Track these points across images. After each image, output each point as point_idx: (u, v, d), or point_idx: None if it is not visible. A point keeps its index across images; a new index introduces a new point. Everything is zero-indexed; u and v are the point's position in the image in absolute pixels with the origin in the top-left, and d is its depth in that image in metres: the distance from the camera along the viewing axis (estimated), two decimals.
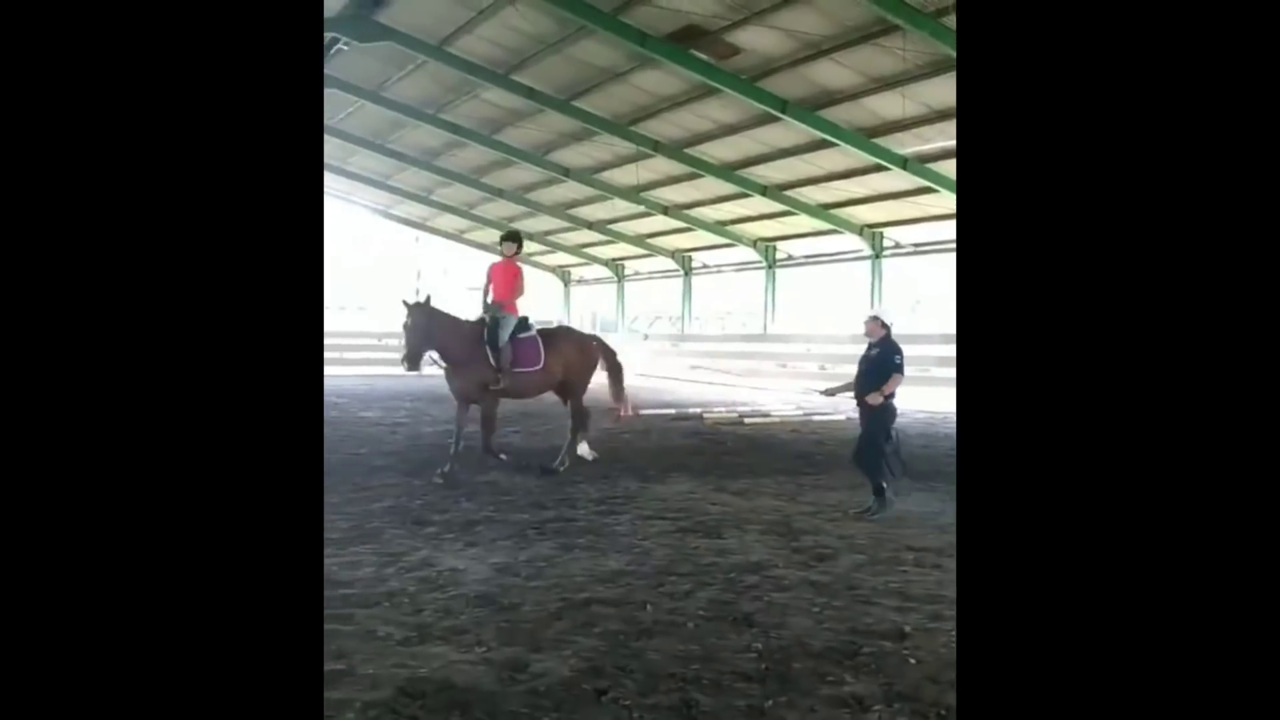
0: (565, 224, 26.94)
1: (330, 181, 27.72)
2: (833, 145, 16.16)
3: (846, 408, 10.38)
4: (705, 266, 26.88)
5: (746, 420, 13.88)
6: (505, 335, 8.60)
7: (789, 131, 16.36)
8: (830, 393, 7.45)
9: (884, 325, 7.00)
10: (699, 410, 14.99)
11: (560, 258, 31.31)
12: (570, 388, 9.26)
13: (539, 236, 29.16)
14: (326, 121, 21.94)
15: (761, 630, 4.20)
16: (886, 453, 6.90)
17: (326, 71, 18.30)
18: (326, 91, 19.01)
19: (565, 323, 32.16)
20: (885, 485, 6.84)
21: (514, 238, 9.24)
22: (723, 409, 15.20)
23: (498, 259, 9.19)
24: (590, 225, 26.30)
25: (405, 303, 8.41)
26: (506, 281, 8.92)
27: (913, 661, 3.83)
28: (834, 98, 14.70)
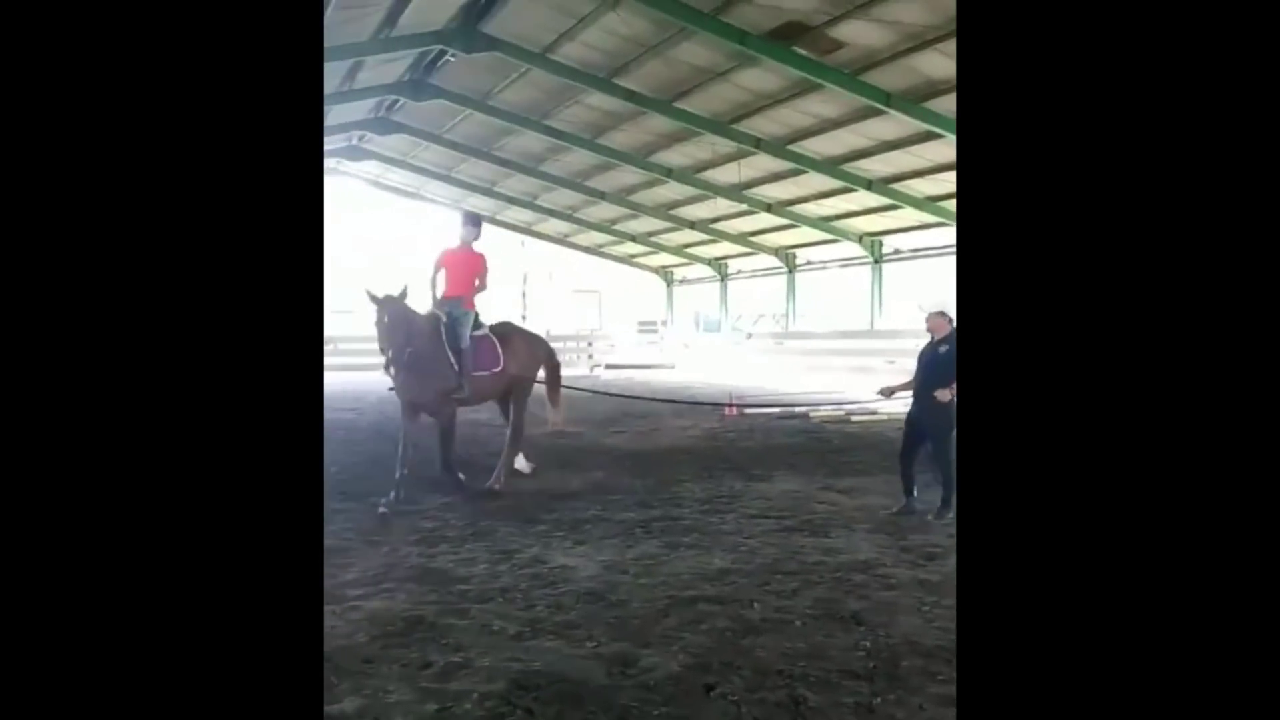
0: (668, 224, 27.06)
1: (439, 189, 28.55)
2: (939, 136, 15.80)
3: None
4: (810, 263, 26.61)
5: (854, 418, 13.72)
6: (467, 335, 7.65)
7: (894, 124, 16.08)
8: (888, 392, 7.14)
9: (950, 321, 6.73)
10: (805, 408, 14.88)
11: (663, 258, 31.46)
12: (518, 393, 8.28)
13: (642, 237, 29.38)
14: (436, 131, 22.64)
15: (869, 629, 4.19)
16: (919, 456, 6.79)
17: (435, 82, 18.88)
18: (436, 103, 19.63)
19: (669, 321, 32.40)
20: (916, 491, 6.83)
21: (474, 221, 8.13)
22: (830, 406, 15.04)
23: (468, 248, 7.93)
24: (693, 225, 26.35)
25: (373, 296, 7.18)
26: (467, 273, 7.83)
27: None
28: (938, 88, 14.37)
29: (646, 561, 5.43)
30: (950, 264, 22.41)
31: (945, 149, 16.67)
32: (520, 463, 8.48)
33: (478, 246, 8.03)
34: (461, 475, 7.75)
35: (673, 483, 8.26)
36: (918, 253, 22.97)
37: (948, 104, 14.82)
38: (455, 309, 7.68)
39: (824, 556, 5.54)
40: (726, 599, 4.65)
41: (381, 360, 7.25)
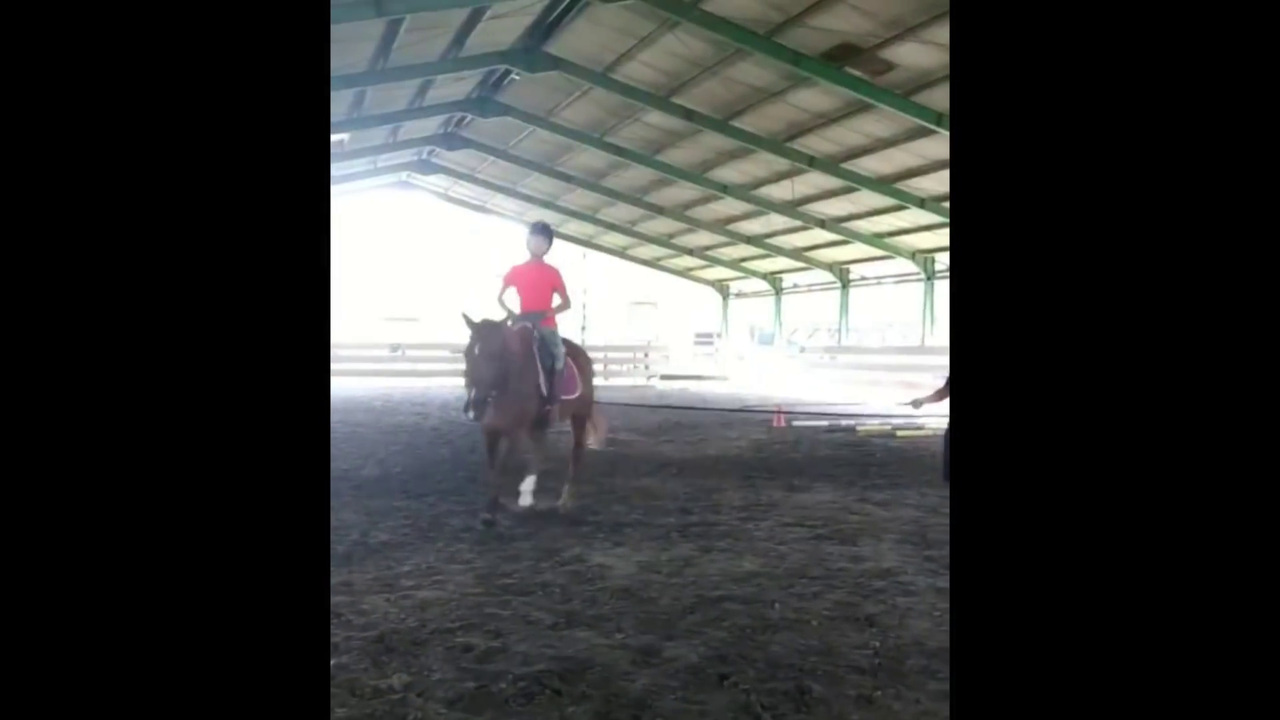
0: (724, 239, 27.39)
1: (504, 203, 29.25)
2: None
3: None
4: (863, 279, 26.71)
5: (899, 432, 13.88)
6: (561, 356, 7.34)
7: (945, 143, 16.22)
8: (918, 404, 7.48)
9: None
10: (851, 421, 15.07)
11: (719, 272, 31.78)
12: (585, 413, 8.09)
13: (698, 251, 29.74)
14: (502, 146, 23.27)
15: (881, 630, 4.48)
16: None
17: (501, 100, 19.48)
18: (502, 119, 20.23)
19: (724, 334, 32.60)
20: None
21: (543, 231, 7.56)
22: (876, 420, 15.22)
23: (539, 262, 7.47)
24: (748, 239, 26.65)
25: (470, 321, 6.63)
26: (542, 288, 7.43)
27: None
28: None
29: (679, 563, 5.76)
30: None
31: None
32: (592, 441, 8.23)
33: (549, 259, 7.55)
34: (501, 505, 7.02)
35: (714, 490, 8.59)
36: None
37: None
38: (544, 328, 7.30)
39: (849, 563, 5.82)
40: (750, 599, 4.97)
41: (464, 387, 6.88)
